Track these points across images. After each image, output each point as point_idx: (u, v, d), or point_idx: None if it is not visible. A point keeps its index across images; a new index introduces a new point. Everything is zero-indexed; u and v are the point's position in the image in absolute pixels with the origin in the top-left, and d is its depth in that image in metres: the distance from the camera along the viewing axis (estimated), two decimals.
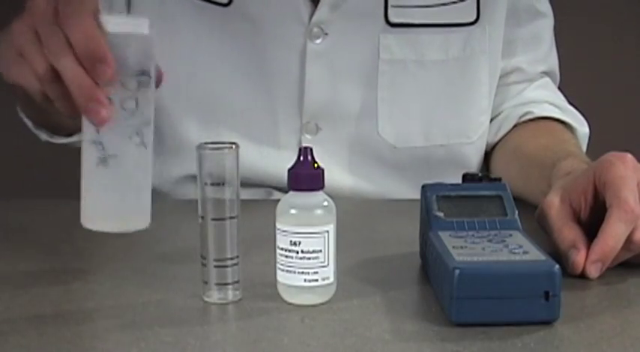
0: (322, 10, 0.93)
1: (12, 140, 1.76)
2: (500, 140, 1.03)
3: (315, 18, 0.93)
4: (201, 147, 0.61)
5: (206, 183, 0.61)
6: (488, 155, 1.05)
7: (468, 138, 1.01)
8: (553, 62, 1.08)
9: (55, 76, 0.61)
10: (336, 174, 0.98)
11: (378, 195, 0.99)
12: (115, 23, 0.62)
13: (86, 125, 0.63)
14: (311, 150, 0.61)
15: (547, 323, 0.57)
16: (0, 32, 0.69)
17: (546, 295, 0.56)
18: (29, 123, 0.95)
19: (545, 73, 1.07)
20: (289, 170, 0.61)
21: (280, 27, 0.94)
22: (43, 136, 0.95)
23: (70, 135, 0.92)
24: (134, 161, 0.62)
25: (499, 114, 1.05)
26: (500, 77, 1.03)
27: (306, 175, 0.61)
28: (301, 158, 0.61)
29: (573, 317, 0.59)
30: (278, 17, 0.94)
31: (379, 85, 0.96)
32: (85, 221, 0.66)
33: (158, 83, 0.65)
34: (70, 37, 0.61)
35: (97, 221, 0.65)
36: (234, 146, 0.61)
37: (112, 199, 0.64)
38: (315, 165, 0.61)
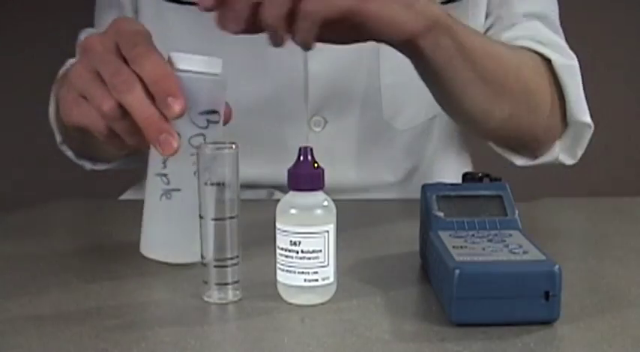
0: None
1: (12, 140, 1.76)
2: None
3: None
4: (201, 147, 0.61)
5: (206, 183, 0.61)
6: None
7: None
8: (542, 4, 1.01)
9: (123, 112, 0.63)
10: (343, 166, 0.98)
11: (383, 185, 1.00)
12: (188, 61, 0.64)
13: (153, 158, 0.66)
14: (311, 150, 0.61)
15: (547, 323, 0.57)
16: (61, 78, 0.71)
17: (546, 295, 0.57)
18: (72, 156, 1.00)
19: (532, 16, 1.00)
20: (289, 170, 0.61)
21: None
22: (88, 165, 1.01)
23: (110, 161, 1.00)
24: (196, 195, 0.62)
25: None
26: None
27: (306, 175, 0.61)
28: (301, 158, 0.61)
29: (573, 317, 0.59)
30: None
31: (381, 71, 0.97)
32: (144, 250, 0.69)
33: (226, 121, 0.67)
34: (140, 73, 0.62)
35: (156, 250, 0.69)
36: (234, 146, 0.61)
37: (172, 231, 0.68)
38: (315, 165, 0.61)
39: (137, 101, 0.62)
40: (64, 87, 0.70)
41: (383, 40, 0.73)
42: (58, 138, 1.00)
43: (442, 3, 0.96)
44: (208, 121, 0.65)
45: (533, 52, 0.94)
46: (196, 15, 0.95)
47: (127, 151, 0.72)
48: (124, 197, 1.10)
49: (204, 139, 0.65)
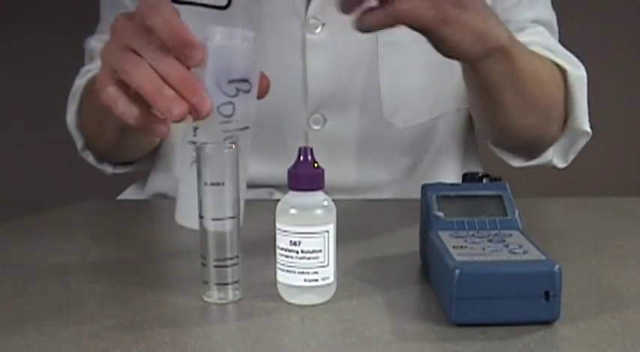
0: (315, 2, 0.94)
1: (12, 140, 1.76)
2: None
3: (310, 9, 0.94)
4: (201, 147, 0.61)
5: (206, 183, 0.61)
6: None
7: (460, 105, 1.03)
8: (546, 12, 1.05)
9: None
10: (343, 165, 0.98)
11: (383, 184, 1.00)
12: (220, 33, 0.65)
13: (183, 127, 0.66)
14: (311, 150, 0.61)
15: (547, 323, 0.57)
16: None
17: (546, 295, 0.57)
18: (93, 161, 1.03)
19: (537, 22, 1.03)
20: (289, 170, 0.61)
21: (278, 22, 0.95)
22: (109, 170, 1.04)
23: (128, 164, 1.04)
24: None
25: None
26: None
27: (306, 175, 0.61)
28: (301, 158, 0.61)
29: (573, 317, 0.59)
30: (275, 13, 0.95)
31: (380, 68, 0.97)
32: (179, 218, 0.68)
33: (262, 93, 0.68)
34: (154, 29, 0.63)
35: (189, 219, 0.67)
36: (234, 146, 0.61)
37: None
38: (315, 165, 0.61)
39: (171, 65, 0.63)
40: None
41: (441, 52, 0.78)
42: (80, 143, 1.02)
43: None
44: (238, 90, 0.65)
45: (549, 60, 0.97)
46: (198, 14, 0.95)
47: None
48: (122, 197, 1.10)
49: (234, 108, 0.65)
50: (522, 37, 0.99)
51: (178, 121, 0.63)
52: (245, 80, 0.65)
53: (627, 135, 1.87)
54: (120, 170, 1.05)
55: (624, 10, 1.83)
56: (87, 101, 0.98)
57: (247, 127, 0.66)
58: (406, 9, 0.72)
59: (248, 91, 0.66)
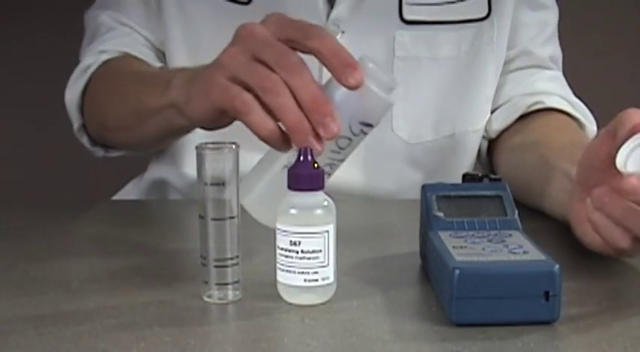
0: (340, 8, 0.94)
1: (12, 140, 1.76)
2: (507, 128, 1.02)
3: (332, 15, 0.94)
4: (201, 147, 0.61)
5: (206, 183, 0.61)
6: (492, 142, 1.04)
7: (473, 126, 1.01)
8: (558, 49, 1.07)
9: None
10: (350, 172, 0.98)
11: (389, 192, 0.99)
12: (374, 72, 0.65)
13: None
14: (311, 150, 0.61)
15: (547, 323, 0.57)
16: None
17: (546, 295, 0.56)
18: (87, 143, 1.01)
19: (552, 59, 1.05)
20: (289, 170, 0.61)
21: None
22: (100, 153, 1.01)
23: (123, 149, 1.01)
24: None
25: (506, 101, 1.03)
26: (505, 63, 1.03)
27: (306, 175, 0.61)
28: (301, 158, 0.61)
29: (573, 317, 0.59)
30: (296, 15, 0.94)
31: None
32: (249, 204, 0.68)
33: None
34: (316, 49, 0.65)
35: (260, 212, 0.68)
36: (234, 146, 0.61)
37: (278, 199, 0.65)
38: (315, 165, 0.61)
39: (305, 81, 0.63)
40: (202, 72, 0.70)
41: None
42: (77, 123, 0.99)
43: (459, 22, 0.97)
44: (362, 131, 0.67)
45: (566, 113, 1.00)
46: (218, 5, 0.95)
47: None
48: (116, 197, 1.09)
49: (349, 144, 0.67)
50: (543, 83, 1.02)
51: None
52: (371, 126, 0.67)
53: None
54: (112, 154, 1.01)
55: (624, 9, 1.83)
56: (115, 85, 0.94)
57: (344, 161, 0.68)
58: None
59: (366, 134, 0.67)
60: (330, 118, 0.63)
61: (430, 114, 0.99)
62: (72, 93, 0.98)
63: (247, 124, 0.65)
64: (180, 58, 0.97)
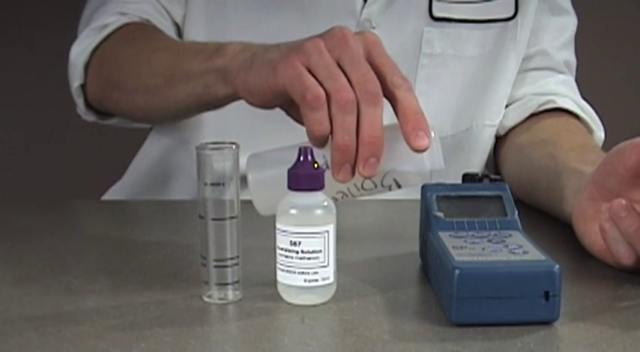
0: (375, 4, 0.94)
1: (12, 140, 1.76)
2: (516, 125, 1.02)
3: (366, 11, 0.94)
4: (201, 147, 0.61)
5: (206, 183, 0.61)
6: (499, 140, 1.04)
7: (491, 121, 1.02)
8: (573, 56, 1.07)
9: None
10: None
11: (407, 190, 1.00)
12: (433, 145, 0.66)
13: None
14: (311, 150, 0.61)
15: (547, 323, 0.57)
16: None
17: (546, 295, 0.57)
18: (81, 104, 0.98)
19: (566, 64, 1.06)
20: (289, 170, 0.61)
21: (331, 18, 0.92)
22: (92, 118, 0.99)
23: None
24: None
25: (518, 99, 1.04)
26: (522, 61, 1.03)
27: (306, 175, 0.61)
28: (301, 158, 0.61)
29: (573, 317, 0.59)
30: (330, 8, 0.94)
31: (417, 79, 0.97)
32: (252, 182, 0.69)
33: None
34: (396, 99, 0.66)
35: (258, 193, 0.69)
36: (234, 146, 0.61)
37: (281, 194, 0.64)
38: (315, 165, 0.61)
39: (375, 116, 0.64)
40: (281, 48, 0.69)
41: None
42: (77, 82, 0.95)
43: (486, 21, 0.97)
44: (389, 187, 0.68)
45: (575, 117, 1.00)
46: None
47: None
48: (105, 197, 1.08)
49: (373, 190, 0.68)
50: (555, 85, 1.03)
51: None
52: (399, 187, 0.68)
53: (627, 135, 1.87)
54: (106, 121, 0.99)
55: (625, 9, 1.83)
56: (142, 46, 0.90)
57: (356, 198, 0.69)
58: None
59: (389, 191, 0.68)
60: (375, 160, 0.63)
61: (450, 111, 0.99)
62: (81, 50, 0.95)
63: (306, 118, 0.65)
64: (198, 37, 0.95)
